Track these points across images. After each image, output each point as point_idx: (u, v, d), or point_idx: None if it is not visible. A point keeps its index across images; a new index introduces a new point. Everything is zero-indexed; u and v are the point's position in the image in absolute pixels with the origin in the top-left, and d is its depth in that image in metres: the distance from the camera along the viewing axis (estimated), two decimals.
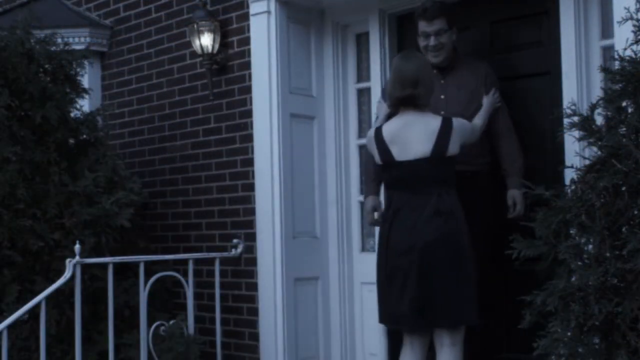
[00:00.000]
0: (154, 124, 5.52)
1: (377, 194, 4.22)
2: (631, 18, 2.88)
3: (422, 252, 3.64)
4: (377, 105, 4.31)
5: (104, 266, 4.48)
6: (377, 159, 3.83)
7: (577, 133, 2.99)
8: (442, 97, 4.10)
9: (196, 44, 5.00)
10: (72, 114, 4.96)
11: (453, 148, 3.70)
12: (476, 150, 4.04)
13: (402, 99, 3.75)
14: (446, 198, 3.69)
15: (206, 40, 4.97)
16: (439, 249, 3.63)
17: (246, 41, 4.96)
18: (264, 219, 4.80)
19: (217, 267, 4.91)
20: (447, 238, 3.65)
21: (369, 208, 4.20)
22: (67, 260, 4.23)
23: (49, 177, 4.70)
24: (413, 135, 3.71)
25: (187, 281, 4.76)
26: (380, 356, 4.72)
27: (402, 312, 3.71)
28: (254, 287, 4.89)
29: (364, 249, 4.94)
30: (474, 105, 4.11)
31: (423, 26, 4.13)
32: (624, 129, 2.78)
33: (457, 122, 3.74)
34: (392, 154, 3.75)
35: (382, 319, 3.88)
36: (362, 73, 4.94)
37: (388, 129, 3.78)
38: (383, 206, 4.13)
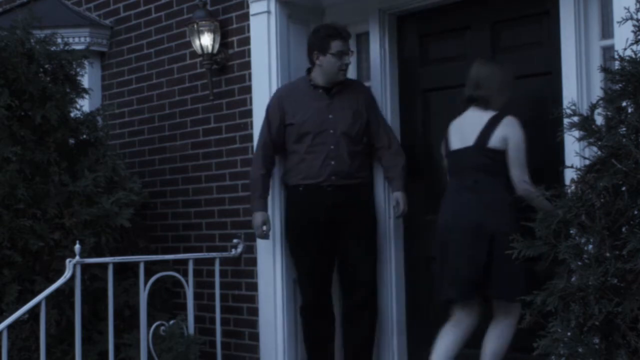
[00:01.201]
0: (154, 124, 5.52)
1: (265, 209, 4.61)
2: (631, 18, 2.87)
3: (460, 232, 3.93)
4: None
5: (104, 266, 4.49)
6: (443, 149, 4.19)
7: (577, 133, 2.99)
8: (330, 116, 4.50)
9: (196, 44, 5.00)
10: (72, 114, 4.97)
11: (495, 141, 3.93)
12: (357, 165, 4.51)
13: (466, 99, 4.11)
14: (482, 185, 3.95)
15: (206, 40, 4.97)
16: (474, 231, 3.89)
17: (246, 41, 4.96)
18: None
19: (217, 267, 4.91)
20: (480, 221, 3.89)
21: (259, 223, 4.57)
22: (67, 260, 4.23)
23: (49, 177, 4.70)
24: (467, 127, 4.03)
25: (187, 281, 4.76)
26: (380, 355, 4.72)
27: (445, 286, 4.02)
28: (254, 287, 4.89)
29: None
30: (357, 125, 4.52)
31: (339, 46, 4.49)
32: (624, 129, 2.77)
33: (508, 120, 3.95)
34: (449, 143, 4.12)
35: (436, 293, 4.16)
36: (362, 73, 4.94)
37: (454, 122, 4.15)
38: (272, 221, 4.62)
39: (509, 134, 3.91)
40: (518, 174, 3.90)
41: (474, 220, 3.89)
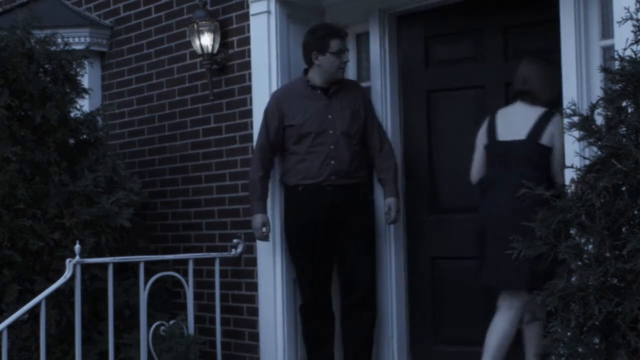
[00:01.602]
0: (154, 124, 5.52)
1: (265, 211, 4.59)
2: (631, 18, 2.87)
3: (495, 220, 4.01)
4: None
5: (104, 266, 4.48)
6: (484, 138, 4.18)
7: (577, 133, 2.99)
8: (330, 116, 4.52)
9: (196, 44, 5.00)
10: (72, 114, 4.96)
11: (545, 138, 4.02)
12: (357, 164, 4.52)
13: (514, 92, 4.22)
14: (528, 178, 3.88)
15: (206, 40, 4.97)
16: (509, 221, 3.86)
17: (246, 41, 4.96)
18: None
19: (217, 267, 4.91)
20: (517, 212, 3.83)
21: (259, 225, 4.57)
22: (67, 260, 4.23)
23: (49, 177, 4.70)
24: (517, 120, 4.10)
25: (187, 281, 4.76)
26: (380, 355, 4.72)
27: (485, 273, 4.10)
28: (254, 287, 4.89)
29: None
30: (356, 124, 4.54)
31: (338, 44, 4.52)
32: (624, 129, 2.77)
33: (558, 118, 3.99)
34: (497, 133, 4.16)
35: (478, 278, 4.21)
36: (362, 73, 4.94)
37: (502, 113, 4.20)
38: (272, 222, 4.63)
39: (556, 132, 3.98)
40: (558, 171, 3.98)
41: (514, 210, 3.89)
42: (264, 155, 4.62)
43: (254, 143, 4.80)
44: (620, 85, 2.81)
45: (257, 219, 4.59)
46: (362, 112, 4.57)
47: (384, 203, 4.56)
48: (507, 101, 4.37)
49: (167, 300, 5.12)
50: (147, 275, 4.55)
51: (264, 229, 4.59)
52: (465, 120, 4.50)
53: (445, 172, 4.64)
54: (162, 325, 4.61)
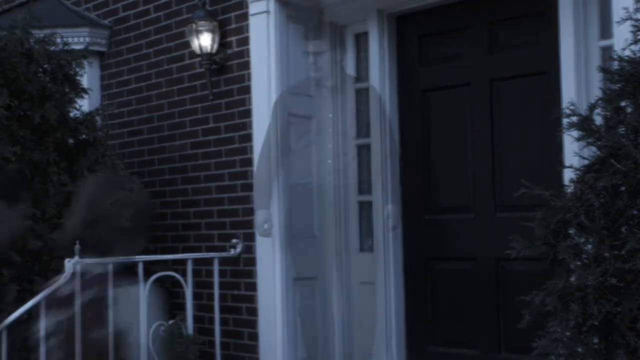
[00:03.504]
0: (153, 124, 5.52)
1: (267, 207, 4.60)
2: (630, 18, 2.88)
3: None
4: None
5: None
6: None
7: (576, 133, 2.99)
8: (331, 115, 4.57)
9: (195, 43, 5.01)
10: (71, 114, 4.97)
11: None
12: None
13: None
14: None
15: (205, 40, 4.97)
16: None
17: (245, 41, 4.96)
18: None
19: (216, 267, 4.91)
20: None
21: (261, 221, 4.57)
22: (66, 260, 4.23)
23: (48, 177, 4.70)
24: None
25: (186, 281, 4.76)
26: (378, 356, 4.72)
27: None
28: (253, 287, 4.89)
29: (362, 249, 4.93)
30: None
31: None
32: (623, 129, 2.77)
33: None
34: None
35: None
36: (361, 73, 4.94)
37: None
38: (274, 219, 4.64)
39: None
40: None
41: None
42: (270, 152, 4.59)
43: (253, 143, 4.80)
44: (619, 85, 2.81)
45: (260, 215, 4.59)
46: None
47: (383, 210, 4.56)
48: (491, 97, 4.36)
49: (166, 300, 5.11)
50: (147, 275, 4.55)
51: (265, 225, 4.59)
52: (457, 118, 4.51)
53: (439, 172, 4.63)
54: (162, 325, 4.61)
